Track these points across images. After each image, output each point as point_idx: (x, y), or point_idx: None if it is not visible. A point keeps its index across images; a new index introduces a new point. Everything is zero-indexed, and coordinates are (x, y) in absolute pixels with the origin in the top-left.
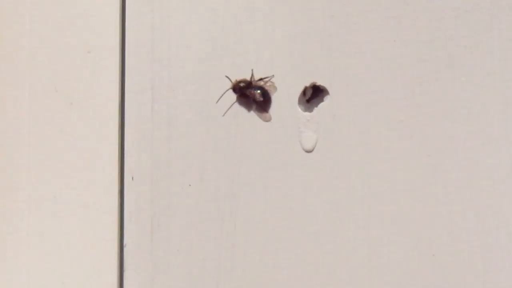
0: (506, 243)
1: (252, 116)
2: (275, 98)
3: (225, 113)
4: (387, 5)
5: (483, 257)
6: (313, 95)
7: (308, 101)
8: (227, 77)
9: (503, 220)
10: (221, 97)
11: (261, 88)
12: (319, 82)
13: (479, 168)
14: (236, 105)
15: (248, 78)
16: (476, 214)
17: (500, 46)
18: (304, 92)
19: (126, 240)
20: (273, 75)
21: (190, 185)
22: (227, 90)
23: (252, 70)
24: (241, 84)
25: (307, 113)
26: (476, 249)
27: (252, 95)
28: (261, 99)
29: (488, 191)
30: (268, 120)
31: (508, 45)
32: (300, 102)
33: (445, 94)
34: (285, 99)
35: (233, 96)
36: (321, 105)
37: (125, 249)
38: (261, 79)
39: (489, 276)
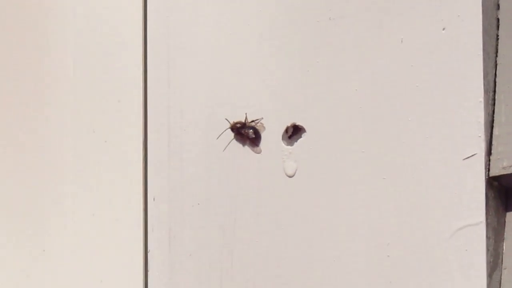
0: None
1: (246, 150)
2: (264, 135)
3: (225, 148)
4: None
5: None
6: (294, 132)
7: (289, 137)
8: (226, 119)
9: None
10: (220, 134)
11: (253, 128)
12: (298, 122)
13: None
14: (234, 141)
15: (243, 120)
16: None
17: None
18: (286, 130)
19: (149, 247)
20: (262, 118)
21: (198, 204)
22: (225, 130)
23: (245, 114)
24: (237, 125)
25: (289, 147)
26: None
27: (246, 134)
28: (253, 136)
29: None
30: (258, 152)
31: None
32: (283, 138)
33: (393, 131)
34: (271, 136)
35: (231, 135)
36: (300, 140)
37: (149, 254)
38: (253, 121)
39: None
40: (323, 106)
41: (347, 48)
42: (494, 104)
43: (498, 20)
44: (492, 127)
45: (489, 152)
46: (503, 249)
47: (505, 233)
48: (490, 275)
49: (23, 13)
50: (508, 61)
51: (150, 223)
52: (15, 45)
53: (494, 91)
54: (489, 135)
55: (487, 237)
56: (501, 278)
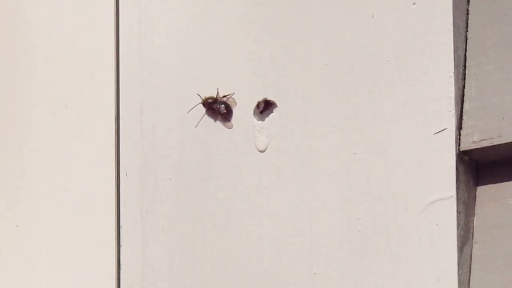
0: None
1: (217, 125)
2: (235, 110)
3: (197, 124)
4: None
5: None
6: (265, 107)
7: (261, 112)
8: (198, 94)
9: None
10: (192, 109)
11: (224, 103)
12: (269, 97)
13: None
14: (206, 116)
15: (214, 95)
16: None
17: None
18: (258, 106)
19: (122, 223)
20: (233, 93)
21: (170, 179)
22: (197, 104)
23: (217, 89)
24: (209, 100)
25: (260, 122)
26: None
27: (218, 109)
28: (225, 111)
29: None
30: (230, 127)
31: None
32: (255, 113)
33: (367, 101)
34: (243, 111)
35: (202, 110)
36: (271, 115)
37: (121, 230)
38: (224, 96)
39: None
40: (294, 81)
41: (317, 23)
42: (464, 78)
43: None
44: (462, 101)
45: (459, 127)
46: (473, 224)
47: (475, 208)
48: (461, 249)
49: None
50: (478, 35)
51: (122, 198)
52: None
53: (465, 66)
54: (459, 109)
55: (458, 211)
56: (472, 252)
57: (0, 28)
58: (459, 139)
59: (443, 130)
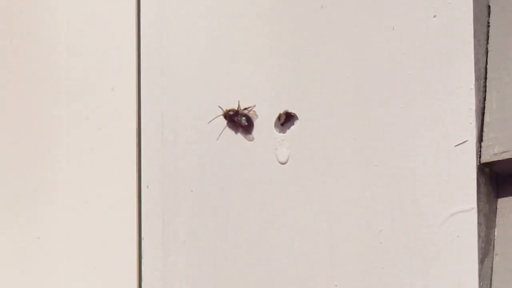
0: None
1: (239, 137)
2: (256, 123)
3: (218, 136)
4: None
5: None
6: (286, 120)
7: (282, 124)
8: (219, 107)
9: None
10: (212, 120)
11: (245, 115)
12: (291, 110)
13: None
14: (227, 129)
15: (236, 108)
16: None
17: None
18: (279, 118)
19: (143, 235)
20: (255, 105)
21: (192, 191)
22: (218, 116)
23: (238, 101)
24: (230, 113)
25: (281, 134)
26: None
27: (239, 121)
28: (246, 124)
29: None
30: (251, 140)
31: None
32: (276, 125)
33: (385, 118)
34: (264, 123)
35: (224, 122)
36: (292, 128)
37: (142, 242)
38: (245, 109)
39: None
40: (315, 94)
41: (339, 36)
42: (485, 91)
43: (489, 7)
44: (483, 113)
45: (480, 139)
46: (494, 235)
47: (496, 219)
48: (482, 261)
49: (15, 3)
50: (499, 48)
51: (143, 210)
52: (7, 35)
53: (485, 78)
54: (480, 121)
55: (479, 223)
56: (492, 264)
57: (23, 42)
58: (480, 151)
59: (464, 142)
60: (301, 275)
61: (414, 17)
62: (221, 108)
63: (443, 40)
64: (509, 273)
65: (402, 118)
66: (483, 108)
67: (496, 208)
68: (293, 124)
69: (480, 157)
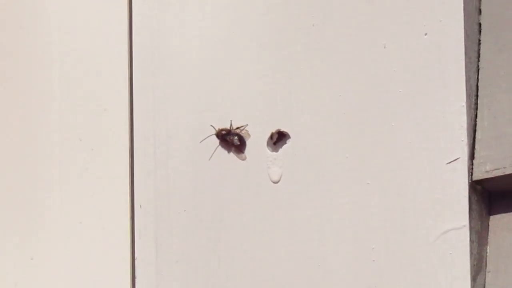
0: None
1: (231, 157)
2: (249, 142)
3: (211, 156)
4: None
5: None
6: (279, 138)
7: (274, 143)
8: (212, 126)
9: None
10: (204, 139)
11: (238, 134)
12: (283, 129)
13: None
14: (219, 148)
15: (228, 127)
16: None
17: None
18: (271, 137)
19: (136, 254)
20: (247, 124)
21: (185, 211)
22: (210, 135)
23: (231, 120)
24: (223, 132)
25: (274, 153)
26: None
27: (231, 140)
28: (238, 143)
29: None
30: (244, 159)
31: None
32: (268, 144)
33: (377, 134)
34: (256, 142)
35: (216, 142)
36: (284, 146)
37: (136, 261)
38: (238, 128)
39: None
40: (307, 112)
41: (330, 54)
42: (476, 108)
43: (479, 25)
44: (475, 131)
45: (472, 156)
46: (486, 253)
47: (488, 237)
48: (474, 278)
49: (9, 23)
50: (490, 65)
51: (137, 230)
52: (1, 55)
53: (477, 96)
54: (472, 139)
55: (471, 241)
56: (485, 282)
57: (16, 61)
58: (472, 168)
59: (456, 159)
60: None
61: (405, 35)
62: (214, 128)
63: (434, 58)
64: None
65: (394, 136)
66: (475, 125)
67: (488, 225)
68: (285, 143)
69: (472, 174)
